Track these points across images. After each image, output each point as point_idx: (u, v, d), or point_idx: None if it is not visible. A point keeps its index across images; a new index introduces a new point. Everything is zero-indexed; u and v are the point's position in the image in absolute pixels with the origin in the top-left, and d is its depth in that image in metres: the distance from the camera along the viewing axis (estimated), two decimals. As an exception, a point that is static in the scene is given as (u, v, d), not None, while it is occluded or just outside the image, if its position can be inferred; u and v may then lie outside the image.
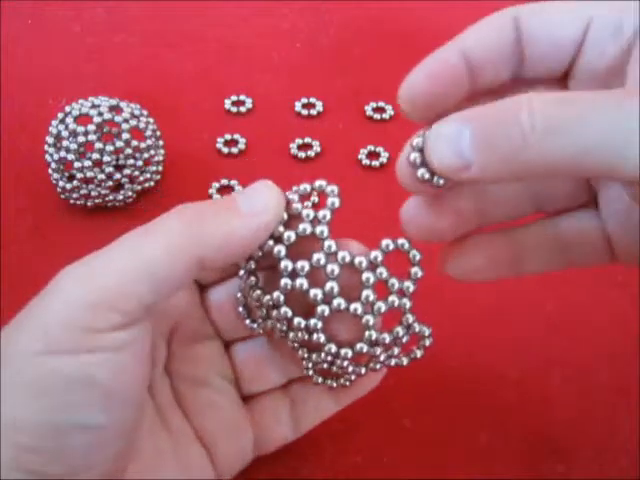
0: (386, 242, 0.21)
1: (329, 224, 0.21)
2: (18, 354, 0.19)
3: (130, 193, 0.37)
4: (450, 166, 0.19)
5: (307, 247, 0.21)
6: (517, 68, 0.22)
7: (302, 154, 0.41)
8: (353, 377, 0.24)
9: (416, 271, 0.22)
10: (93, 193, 0.36)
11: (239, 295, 0.24)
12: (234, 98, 0.45)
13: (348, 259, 0.21)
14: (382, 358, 0.23)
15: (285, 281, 0.21)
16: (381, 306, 0.21)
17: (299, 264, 0.21)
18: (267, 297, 0.22)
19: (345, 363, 0.23)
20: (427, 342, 0.23)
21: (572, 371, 0.31)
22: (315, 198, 0.22)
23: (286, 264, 0.21)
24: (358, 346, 0.22)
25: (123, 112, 0.36)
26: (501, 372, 0.31)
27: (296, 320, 0.22)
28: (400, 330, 0.22)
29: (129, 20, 0.51)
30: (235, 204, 0.21)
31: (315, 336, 0.22)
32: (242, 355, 0.26)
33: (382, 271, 0.21)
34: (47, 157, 0.36)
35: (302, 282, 0.21)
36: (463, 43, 0.22)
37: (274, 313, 0.22)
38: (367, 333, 0.22)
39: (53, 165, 0.36)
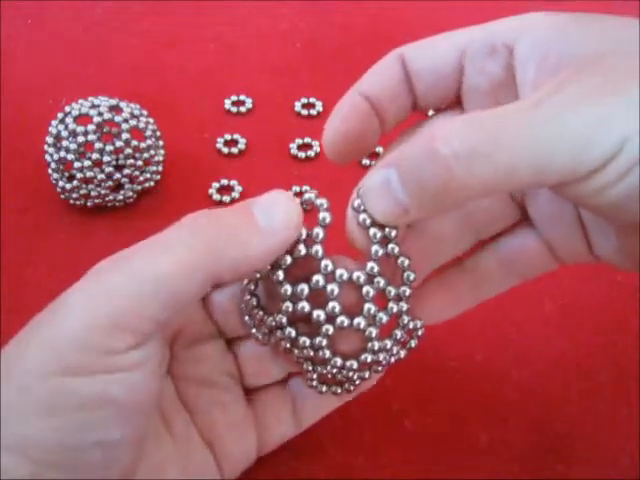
0: (375, 248, 0.21)
1: (323, 242, 0.21)
2: (31, 374, 0.19)
3: (130, 193, 0.37)
4: (390, 214, 0.19)
5: (305, 264, 0.21)
6: (414, 101, 0.24)
7: (302, 154, 0.41)
8: (357, 382, 0.24)
9: (408, 274, 0.22)
10: (93, 193, 0.36)
11: (242, 306, 0.24)
12: (234, 98, 0.45)
13: (346, 277, 0.21)
14: (384, 361, 0.23)
15: (287, 304, 0.21)
16: (382, 317, 0.22)
17: (299, 288, 0.21)
18: (270, 319, 0.22)
19: (350, 373, 0.23)
20: (420, 332, 0.24)
21: (572, 371, 0.31)
22: (306, 206, 0.22)
23: (286, 288, 0.21)
24: (362, 357, 0.22)
25: (123, 112, 0.36)
26: (501, 372, 0.31)
27: (301, 340, 0.22)
28: (398, 332, 0.23)
29: (129, 20, 0.51)
30: (254, 219, 0.20)
31: (320, 353, 0.22)
32: (246, 350, 0.26)
33: (379, 280, 0.21)
34: (47, 157, 0.36)
35: (303, 305, 0.21)
36: (362, 87, 0.23)
37: (278, 333, 0.22)
38: (370, 344, 0.22)
39: (53, 165, 0.36)
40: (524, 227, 0.24)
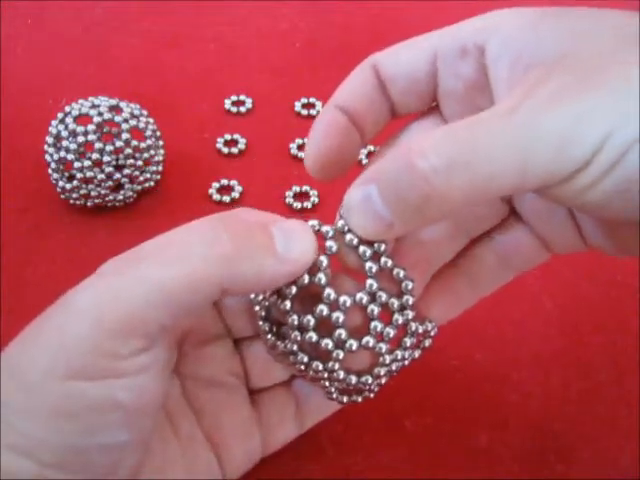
0: (369, 265, 0.21)
1: (327, 270, 0.21)
2: (39, 376, 0.19)
3: (130, 193, 0.37)
4: (372, 231, 0.19)
5: (310, 288, 0.21)
6: (391, 109, 0.24)
7: (302, 154, 0.41)
8: (376, 389, 0.24)
9: (406, 284, 0.22)
10: (93, 193, 0.36)
11: (260, 323, 0.24)
12: (234, 98, 0.45)
13: (349, 303, 0.21)
14: (396, 369, 0.23)
15: (295, 334, 0.21)
16: (389, 331, 0.22)
17: (305, 320, 0.21)
18: (282, 345, 0.22)
19: (367, 386, 0.23)
20: (433, 333, 0.24)
21: (572, 371, 0.31)
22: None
23: (293, 319, 0.21)
24: (375, 371, 0.22)
25: (123, 112, 0.36)
26: (501, 372, 0.31)
27: (314, 364, 0.22)
28: (407, 340, 0.23)
29: (129, 20, 0.51)
30: (272, 241, 0.20)
31: (335, 374, 0.22)
32: (252, 351, 0.26)
33: (381, 295, 0.21)
34: (47, 157, 0.36)
35: (311, 335, 0.21)
36: (337, 100, 0.23)
37: (290, 358, 0.22)
38: (381, 359, 0.22)
39: (53, 165, 0.36)
40: (514, 222, 0.24)
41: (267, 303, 0.23)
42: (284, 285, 0.21)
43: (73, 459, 0.19)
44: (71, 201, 0.37)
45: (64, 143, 0.35)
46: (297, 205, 0.38)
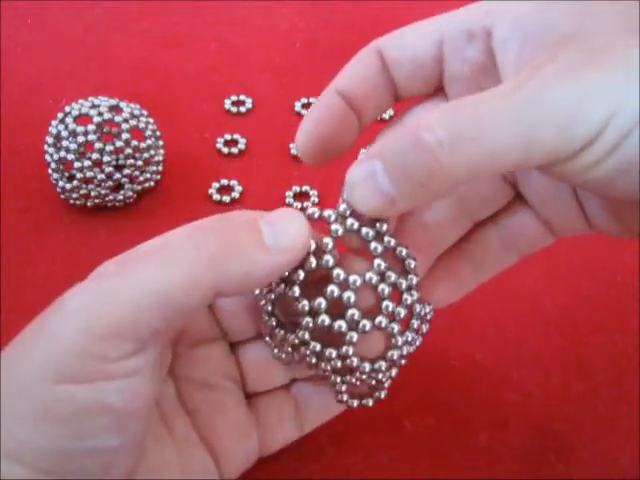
0: (374, 245, 0.21)
1: (333, 251, 0.21)
2: (30, 380, 0.19)
3: (130, 193, 0.37)
4: (375, 206, 0.19)
5: (316, 274, 0.21)
6: (394, 93, 0.24)
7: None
8: (387, 384, 0.24)
9: (409, 262, 0.22)
10: (93, 193, 0.36)
11: (262, 327, 0.24)
12: (234, 98, 0.45)
13: (359, 282, 0.21)
14: (407, 353, 0.23)
15: (307, 320, 0.21)
16: (400, 311, 0.22)
17: (316, 302, 0.21)
18: (292, 336, 0.22)
19: (380, 375, 0.23)
20: (429, 317, 0.24)
21: (572, 371, 0.31)
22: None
23: (304, 304, 0.21)
24: (389, 354, 0.22)
25: (123, 112, 0.36)
26: (501, 372, 0.31)
27: (327, 352, 0.22)
28: (415, 322, 0.23)
29: (129, 20, 0.51)
30: (260, 235, 0.20)
31: (349, 361, 0.22)
32: (249, 355, 0.26)
33: (390, 275, 0.21)
34: (47, 157, 0.36)
35: (324, 318, 0.21)
36: (338, 85, 0.23)
37: (302, 350, 0.22)
38: (394, 340, 0.22)
39: (53, 165, 0.36)
40: (518, 205, 0.24)
41: (273, 296, 0.22)
42: (290, 272, 0.21)
43: (64, 464, 0.19)
44: (71, 201, 0.37)
45: (64, 143, 0.35)
46: (297, 205, 0.38)
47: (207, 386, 0.25)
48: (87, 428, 0.19)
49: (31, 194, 0.38)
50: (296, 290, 0.21)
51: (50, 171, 0.36)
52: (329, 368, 0.22)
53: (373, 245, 0.21)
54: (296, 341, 0.22)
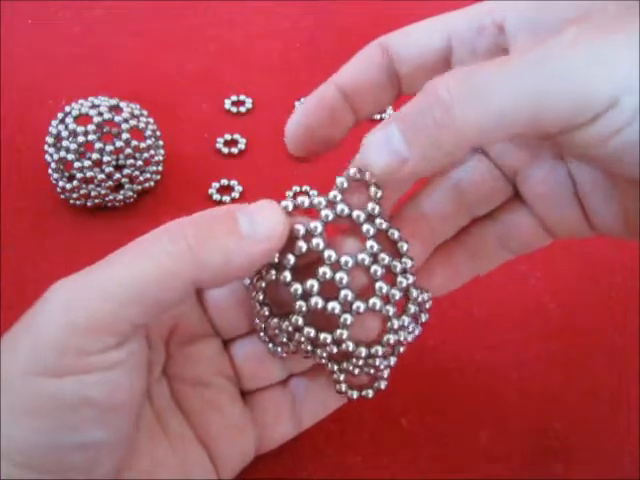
0: (366, 227, 0.21)
1: (322, 234, 0.21)
2: (11, 376, 0.19)
3: (130, 193, 0.37)
4: (387, 165, 0.19)
5: (307, 260, 0.21)
6: (397, 91, 0.24)
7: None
8: (386, 374, 0.24)
9: (401, 245, 0.22)
10: (93, 193, 0.36)
11: (256, 321, 0.24)
12: (234, 98, 0.45)
13: (351, 263, 0.21)
14: (404, 340, 0.23)
15: (300, 303, 0.21)
16: (395, 293, 0.21)
17: (308, 284, 0.21)
18: (286, 323, 0.22)
19: (378, 361, 0.23)
20: (428, 305, 0.24)
21: (572, 371, 0.31)
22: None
23: (296, 287, 0.21)
24: (385, 339, 0.22)
25: (123, 112, 0.36)
26: (501, 372, 0.31)
27: (322, 337, 0.22)
28: (412, 307, 0.22)
29: (129, 20, 0.51)
30: (237, 226, 0.20)
31: (344, 346, 0.22)
32: (242, 352, 0.26)
33: (384, 257, 0.21)
34: (47, 157, 0.36)
35: (317, 301, 0.21)
36: (338, 79, 0.23)
37: (296, 336, 0.22)
38: (390, 323, 0.22)
39: (53, 165, 0.36)
40: (516, 204, 0.24)
41: (264, 284, 0.22)
42: (280, 258, 0.21)
43: (49, 459, 0.19)
44: (71, 201, 0.37)
45: (64, 143, 0.35)
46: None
47: (201, 384, 0.25)
48: (69, 421, 0.19)
49: (31, 194, 0.38)
50: (287, 275, 0.21)
51: (50, 171, 0.36)
52: (325, 355, 0.22)
53: (365, 227, 0.21)
54: (290, 328, 0.22)
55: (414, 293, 0.22)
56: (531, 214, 0.24)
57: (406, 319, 0.22)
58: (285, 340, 0.23)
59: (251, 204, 0.21)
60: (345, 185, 0.21)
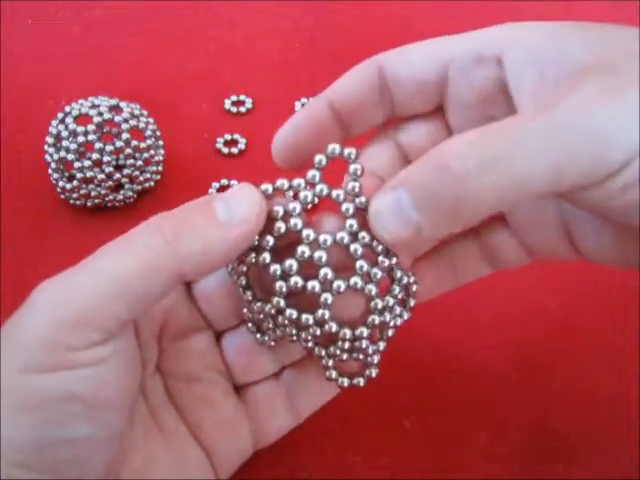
0: (346, 206, 0.21)
1: (301, 214, 0.21)
2: (2, 375, 0.19)
3: (130, 193, 0.37)
4: (402, 235, 0.19)
5: (289, 242, 0.21)
6: (389, 110, 0.24)
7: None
8: (376, 360, 0.24)
9: None
10: (93, 193, 0.36)
11: (245, 310, 0.24)
12: (234, 98, 0.45)
13: (330, 241, 0.21)
14: (391, 323, 0.23)
15: (280, 284, 0.21)
16: (377, 272, 0.21)
17: (287, 264, 0.21)
18: (268, 306, 0.22)
19: (365, 343, 0.22)
20: (415, 288, 0.23)
21: (572, 371, 0.31)
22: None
23: (275, 268, 0.21)
24: (370, 319, 0.22)
25: (123, 112, 0.36)
26: (501, 372, 0.31)
27: (304, 317, 0.21)
28: (396, 287, 0.22)
29: (129, 20, 0.51)
30: (213, 213, 0.20)
31: (327, 326, 0.21)
32: (233, 346, 0.25)
33: (364, 235, 0.21)
34: (47, 157, 0.36)
35: (296, 280, 0.21)
36: (330, 95, 0.23)
37: (279, 319, 0.22)
38: (373, 303, 0.22)
39: (53, 165, 0.36)
40: (499, 225, 0.25)
41: (245, 268, 0.22)
42: (259, 239, 0.21)
43: (38, 456, 0.19)
44: (71, 201, 0.37)
45: (64, 143, 0.35)
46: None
47: (194, 380, 0.25)
48: (55, 417, 0.19)
49: (31, 194, 0.38)
50: (267, 256, 0.21)
51: (50, 171, 0.36)
52: (309, 338, 0.22)
53: (345, 206, 0.21)
54: (272, 311, 0.22)
55: (398, 274, 0.22)
56: (514, 237, 0.24)
57: (390, 300, 0.22)
58: (271, 325, 0.22)
59: (227, 190, 0.21)
60: (324, 163, 0.21)
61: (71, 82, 0.46)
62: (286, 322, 0.22)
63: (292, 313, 0.21)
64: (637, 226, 0.19)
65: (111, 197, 0.37)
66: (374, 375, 0.24)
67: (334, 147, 0.21)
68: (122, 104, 0.37)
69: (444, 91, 0.23)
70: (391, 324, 0.23)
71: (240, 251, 0.21)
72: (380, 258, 0.21)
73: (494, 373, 0.31)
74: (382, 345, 0.23)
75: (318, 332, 0.22)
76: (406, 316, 0.23)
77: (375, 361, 0.24)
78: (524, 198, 0.18)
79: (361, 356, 0.23)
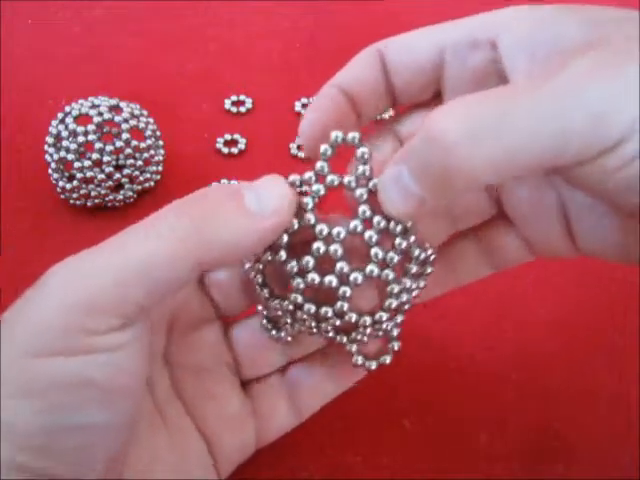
0: (360, 192, 0.21)
1: (314, 210, 0.21)
2: (10, 355, 0.18)
3: (130, 193, 0.37)
4: (407, 208, 0.19)
5: (302, 238, 0.21)
6: (393, 96, 0.24)
7: (302, 154, 0.41)
8: (396, 333, 0.23)
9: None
10: (93, 193, 0.36)
11: (259, 308, 0.24)
12: (234, 98, 0.45)
13: (344, 233, 0.20)
14: (408, 300, 0.22)
15: (297, 281, 0.21)
16: (393, 257, 0.21)
17: (304, 261, 0.21)
18: (286, 302, 0.22)
19: (385, 325, 0.22)
20: (432, 258, 0.23)
21: (572, 371, 0.31)
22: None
23: (292, 265, 0.21)
24: (387, 304, 0.22)
25: (123, 112, 0.36)
26: (501, 372, 0.31)
27: (323, 311, 0.21)
28: (413, 266, 0.22)
29: (129, 20, 0.51)
30: (242, 203, 0.20)
31: (347, 317, 0.21)
32: (243, 338, 0.25)
33: (379, 220, 0.21)
34: (47, 157, 0.36)
35: (313, 277, 0.21)
36: (339, 79, 0.23)
37: (298, 314, 0.22)
38: (389, 288, 0.21)
39: (53, 165, 0.36)
40: (501, 222, 0.24)
41: (261, 266, 0.22)
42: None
43: (48, 442, 0.18)
44: (71, 201, 0.37)
45: (64, 143, 0.35)
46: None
47: (202, 373, 0.25)
48: (69, 403, 0.18)
49: (31, 194, 0.38)
50: (282, 254, 0.21)
51: (50, 171, 0.36)
52: (330, 329, 0.22)
53: (358, 192, 0.20)
54: (290, 307, 0.21)
55: (416, 252, 0.21)
56: (515, 233, 0.24)
57: (407, 281, 0.22)
58: (289, 321, 0.22)
59: (256, 181, 0.20)
60: (329, 153, 0.21)
61: (71, 82, 0.46)
62: (305, 316, 0.22)
63: (310, 307, 0.21)
64: (637, 212, 0.18)
65: (111, 197, 0.37)
66: (397, 348, 0.24)
67: (337, 134, 0.20)
68: (122, 104, 0.37)
69: (441, 77, 0.23)
70: (408, 301, 0.22)
71: (268, 243, 0.20)
72: (397, 240, 0.21)
73: (494, 373, 0.31)
74: (400, 318, 0.23)
75: (338, 322, 0.22)
76: (422, 284, 0.23)
77: (395, 334, 0.23)
78: (517, 171, 0.17)
79: (381, 333, 0.23)
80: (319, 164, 0.21)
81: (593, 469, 0.28)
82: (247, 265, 0.23)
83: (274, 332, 0.24)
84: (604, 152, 0.17)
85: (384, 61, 0.23)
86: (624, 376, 0.30)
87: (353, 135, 0.20)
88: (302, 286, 0.21)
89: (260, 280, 0.22)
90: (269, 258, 0.21)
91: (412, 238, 0.21)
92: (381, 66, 0.23)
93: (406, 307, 0.23)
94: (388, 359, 0.24)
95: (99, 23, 0.51)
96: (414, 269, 0.22)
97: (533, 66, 0.20)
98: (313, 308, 0.21)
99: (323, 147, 0.21)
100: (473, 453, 0.28)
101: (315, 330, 0.22)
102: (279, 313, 0.23)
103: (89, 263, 0.19)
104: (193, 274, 0.19)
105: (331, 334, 0.23)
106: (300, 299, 0.21)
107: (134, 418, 0.21)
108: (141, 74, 0.47)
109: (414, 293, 0.23)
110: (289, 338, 0.24)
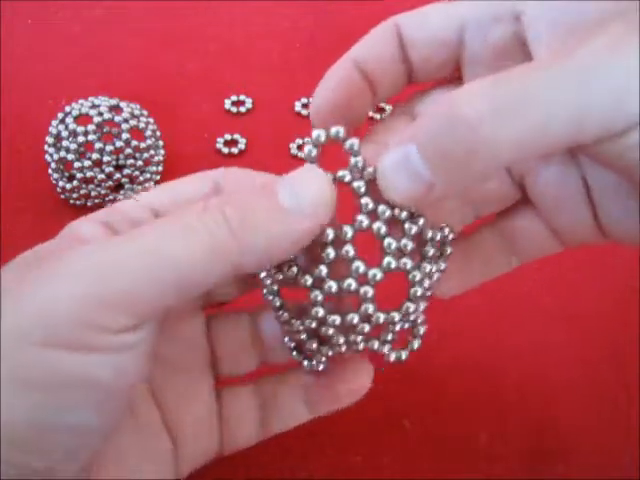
0: (357, 184, 0.20)
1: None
2: (12, 340, 0.17)
3: (130, 193, 0.37)
4: (412, 194, 0.18)
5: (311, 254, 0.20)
6: (410, 73, 0.22)
7: (302, 154, 0.41)
8: (422, 331, 0.22)
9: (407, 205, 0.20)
10: (93, 193, 0.36)
11: (286, 339, 0.23)
12: (234, 98, 0.45)
13: (351, 233, 0.19)
14: (429, 285, 0.21)
15: (315, 293, 0.20)
16: (407, 243, 0.20)
17: (317, 271, 0.20)
18: (307, 321, 0.21)
19: (413, 316, 0.21)
20: (451, 237, 0.22)
21: (572, 371, 0.31)
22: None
23: (305, 279, 0.20)
24: (412, 292, 0.20)
25: (123, 112, 0.36)
26: (501, 372, 0.31)
27: (349, 318, 0.20)
28: (430, 249, 0.21)
29: (129, 20, 0.51)
30: (275, 199, 0.18)
31: (374, 319, 0.20)
32: (223, 334, 0.25)
33: (384, 210, 0.19)
34: (47, 157, 0.36)
35: (330, 284, 0.20)
36: (354, 54, 0.22)
37: (322, 330, 0.21)
38: (411, 276, 0.20)
39: (53, 165, 0.36)
40: (525, 208, 0.23)
41: (276, 287, 0.21)
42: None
43: (36, 439, 0.17)
44: (71, 201, 0.37)
45: (64, 143, 0.35)
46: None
47: (179, 369, 0.24)
48: (68, 401, 0.17)
49: (31, 194, 0.38)
50: (294, 269, 0.20)
51: (50, 171, 0.36)
52: (359, 339, 0.21)
53: (356, 185, 0.19)
54: (313, 324, 0.20)
55: (429, 234, 0.20)
56: (540, 219, 0.23)
57: (427, 266, 0.20)
58: (314, 346, 0.21)
59: (290, 173, 0.19)
60: (314, 154, 0.19)
61: (71, 82, 0.46)
62: (331, 332, 0.21)
63: (335, 319, 0.20)
64: None
65: (111, 197, 0.37)
66: (416, 347, 0.23)
67: (318, 133, 0.19)
68: (122, 104, 0.37)
69: (460, 53, 0.22)
70: (427, 286, 0.21)
71: (305, 244, 0.19)
72: (406, 226, 0.20)
73: (494, 373, 0.31)
74: (423, 305, 0.22)
75: (367, 329, 0.20)
76: (443, 266, 0.22)
77: (421, 332, 0.22)
78: (543, 150, 0.17)
79: (406, 325, 0.22)
80: (306, 166, 0.20)
81: (593, 469, 0.28)
82: (263, 274, 0.22)
83: (306, 362, 0.23)
84: (629, 128, 0.16)
85: (401, 36, 0.22)
86: (624, 375, 0.30)
87: (336, 130, 0.19)
88: (320, 298, 0.20)
89: (278, 303, 0.21)
90: (280, 277, 0.20)
91: (421, 220, 0.20)
92: (398, 41, 0.22)
93: (428, 293, 0.22)
94: (416, 344, 0.23)
95: (99, 23, 0.51)
96: (431, 251, 0.21)
97: (556, 38, 0.19)
98: (338, 319, 0.20)
99: (307, 148, 0.20)
100: (473, 453, 0.28)
101: (344, 347, 0.21)
102: (302, 337, 0.22)
103: (116, 254, 0.17)
104: (224, 278, 0.18)
105: (362, 345, 0.21)
106: (322, 312, 0.20)
107: (117, 423, 0.20)
108: (141, 74, 0.47)
109: (435, 277, 0.21)
110: (321, 367, 0.23)
